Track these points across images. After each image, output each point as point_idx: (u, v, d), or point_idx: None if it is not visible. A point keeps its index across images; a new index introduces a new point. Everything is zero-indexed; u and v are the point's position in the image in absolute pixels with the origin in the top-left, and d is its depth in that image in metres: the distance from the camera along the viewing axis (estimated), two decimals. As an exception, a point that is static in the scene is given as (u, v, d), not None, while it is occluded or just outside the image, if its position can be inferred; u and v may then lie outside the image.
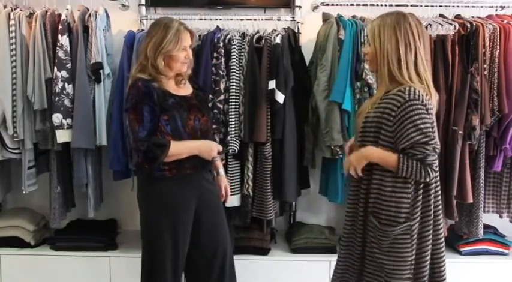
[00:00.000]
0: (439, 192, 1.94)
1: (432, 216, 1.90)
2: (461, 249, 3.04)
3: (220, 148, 2.28)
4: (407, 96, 1.81)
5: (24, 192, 2.85)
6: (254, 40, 2.80)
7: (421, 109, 1.80)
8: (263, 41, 2.82)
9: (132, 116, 2.11)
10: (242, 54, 2.79)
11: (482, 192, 2.86)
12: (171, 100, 2.17)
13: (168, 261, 2.26)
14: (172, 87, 2.23)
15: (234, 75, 2.76)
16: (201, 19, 2.96)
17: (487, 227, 3.00)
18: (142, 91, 2.11)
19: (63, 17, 2.76)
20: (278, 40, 2.76)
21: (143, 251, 2.35)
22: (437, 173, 1.91)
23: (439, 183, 1.94)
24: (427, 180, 1.84)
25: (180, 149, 2.14)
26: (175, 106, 2.18)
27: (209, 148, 2.22)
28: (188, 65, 2.26)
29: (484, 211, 2.91)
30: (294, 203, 3.21)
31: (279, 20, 3.06)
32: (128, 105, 2.14)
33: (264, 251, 3.00)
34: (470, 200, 2.76)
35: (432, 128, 1.82)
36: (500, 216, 2.96)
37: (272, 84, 2.70)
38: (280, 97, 2.69)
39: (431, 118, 1.83)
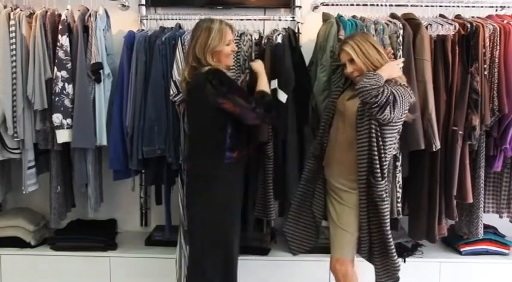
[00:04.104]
0: None
1: None
2: (461, 249, 3.04)
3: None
4: None
5: (24, 192, 2.85)
6: (254, 41, 2.82)
7: None
8: (265, 40, 2.82)
9: (235, 95, 2.27)
10: (239, 53, 2.79)
11: (482, 192, 2.86)
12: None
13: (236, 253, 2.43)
14: None
15: (232, 74, 2.75)
16: (200, 19, 2.96)
17: (487, 227, 3.00)
18: (226, 76, 2.34)
19: (63, 17, 2.77)
20: (279, 40, 2.76)
21: (207, 251, 2.38)
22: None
23: None
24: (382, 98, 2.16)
25: (264, 86, 2.44)
26: None
27: (262, 66, 2.53)
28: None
29: (484, 211, 2.91)
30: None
31: (279, 20, 3.06)
32: (224, 89, 2.25)
33: (264, 251, 3.00)
34: (470, 200, 2.76)
35: None
36: (500, 216, 2.96)
37: (274, 84, 2.70)
38: (282, 96, 2.69)
39: None
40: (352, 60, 2.32)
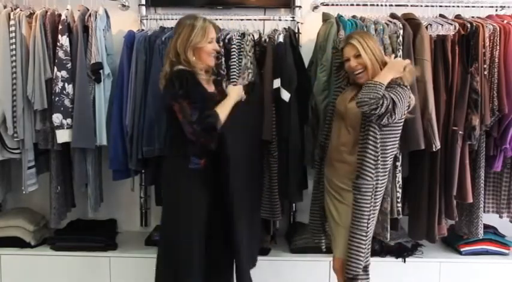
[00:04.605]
0: None
1: None
2: (461, 249, 3.04)
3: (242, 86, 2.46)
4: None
5: (24, 192, 2.85)
6: (255, 41, 2.83)
7: None
8: (267, 40, 2.83)
9: (184, 102, 2.17)
10: (241, 53, 2.79)
11: (482, 192, 2.86)
12: (208, 96, 2.29)
13: (199, 258, 2.33)
14: (206, 84, 2.34)
15: (233, 74, 2.75)
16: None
17: (487, 227, 3.00)
18: (192, 80, 2.21)
19: (63, 17, 2.77)
20: (281, 39, 2.76)
21: (166, 252, 2.35)
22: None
23: None
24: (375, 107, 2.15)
25: (224, 109, 2.26)
26: (210, 102, 2.28)
27: (239, 93, 2.38)
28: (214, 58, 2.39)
29: (484, 211, 2.91)
30: (294, 203, 3.21)
31: (279, 20, 3.06)
32: (179, 92, 2.18)
33: (264, 251, 3.00)
34: (470, 200, 2.76)
35: None
36: (500, 216, 2.96)
37: (277, 83, 2.70)
38: (285, 95, 2.69)
39: None
40: (358, 56, 2.31)
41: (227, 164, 2.26)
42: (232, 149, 2.27)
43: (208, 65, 2.35)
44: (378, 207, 2.35)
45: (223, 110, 2.25)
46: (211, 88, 2.38)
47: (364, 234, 2.27)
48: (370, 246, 2.35)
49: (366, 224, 2.27)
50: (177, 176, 2.32)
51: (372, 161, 2.24)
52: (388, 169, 2.35)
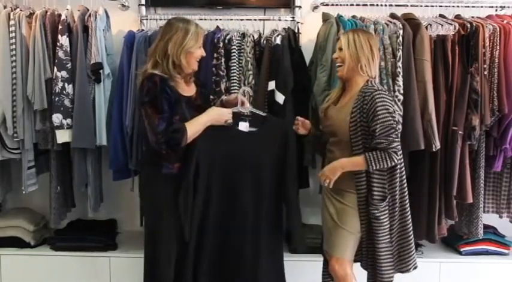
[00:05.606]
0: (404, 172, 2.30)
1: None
2: (461, 249, 3.04)
3: (231, 111, 2.35)
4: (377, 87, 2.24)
5: (24, 192, 2.85)
6: (255, 41, 2.83)
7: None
8: (264, 41, 2.83)
9: (150, 110, 2.16)
10: (242, 54, 2.79)
11: (482, 192, 2.86)
12: (183, 101, 2.27)
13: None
14: (183, 88, 2.32)
15: (234, 75, 2.75)
16: (201, 19, 2.96)
17: (486, 227, 3.00)
18: (160, 86, 2.18)
19: (63, 17, 2.77)
20: (278, 41, 2.76)
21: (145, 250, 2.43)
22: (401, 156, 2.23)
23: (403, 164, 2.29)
24: (393, 164, 2.18)
25: (195, 126, 2.23)
26: (186, 106, 2.27)
27: (219, 114, 2.32)
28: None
29: (484, 211, 2.92)
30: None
31: (279, 20, 3.06)
32: (145, 99, 2.18)
33: (264, 251, 3.00)
34: (470, 200, 2.76)
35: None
36: (500, 216, 2.96)
37: (272, 85, 2.70)
38: (280, 98, 2.69)
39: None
40: (341, 49, 2.29)
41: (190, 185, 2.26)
42: (205, 169, 2.28)
43: (193, 69, 2.34)
44: (400, 213, 2.31)
45: (193, 127, 2.22)
46: (190, 91, 2.36)
47: (388, 245, 2.27)
48: (413, 254, 2.36)
49: (388, 236, 2.26)
50: (152, 180, 2.32)
51: (380, 178, 2.23)
52: (398, 174, 2.27)
